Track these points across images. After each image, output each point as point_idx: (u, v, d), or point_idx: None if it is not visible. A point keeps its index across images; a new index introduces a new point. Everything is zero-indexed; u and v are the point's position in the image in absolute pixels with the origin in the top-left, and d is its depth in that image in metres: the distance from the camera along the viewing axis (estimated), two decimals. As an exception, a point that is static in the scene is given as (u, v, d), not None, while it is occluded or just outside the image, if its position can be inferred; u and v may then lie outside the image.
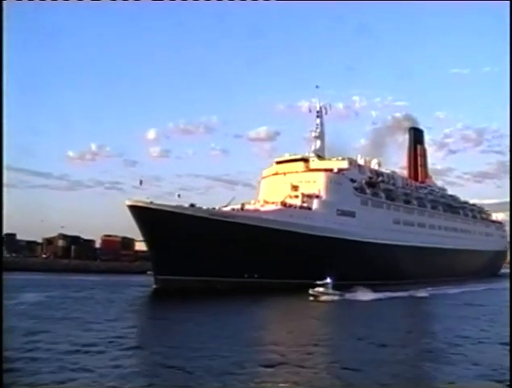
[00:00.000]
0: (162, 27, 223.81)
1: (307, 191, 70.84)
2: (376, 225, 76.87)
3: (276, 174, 76.58)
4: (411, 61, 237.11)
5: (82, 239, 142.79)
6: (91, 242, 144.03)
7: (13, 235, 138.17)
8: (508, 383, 17.11)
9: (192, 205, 60.62)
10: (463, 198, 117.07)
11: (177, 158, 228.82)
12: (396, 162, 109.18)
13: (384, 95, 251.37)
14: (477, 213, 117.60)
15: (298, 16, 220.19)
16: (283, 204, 67.32)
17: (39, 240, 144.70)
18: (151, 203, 57.07)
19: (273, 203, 67.90)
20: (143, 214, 56.73)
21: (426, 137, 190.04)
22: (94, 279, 75.57)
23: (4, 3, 16.25)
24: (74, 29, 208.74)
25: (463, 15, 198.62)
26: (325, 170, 74.56)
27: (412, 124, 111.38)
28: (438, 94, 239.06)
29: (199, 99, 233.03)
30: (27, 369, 19.80)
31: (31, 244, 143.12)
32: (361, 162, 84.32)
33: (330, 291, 53.19)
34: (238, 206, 67.34)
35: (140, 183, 59.02)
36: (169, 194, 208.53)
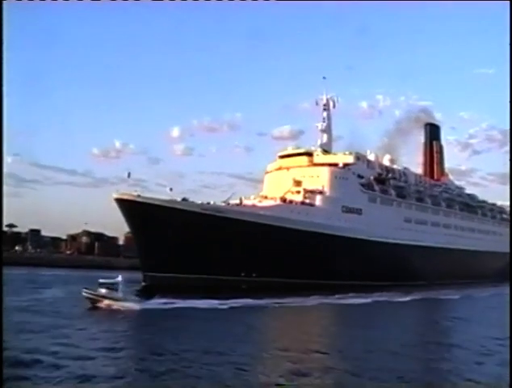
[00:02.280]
0: (172, 25, 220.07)
1: (310, 187, 65.52)
2: (385, 224, 71.13)
3: (280, 169, 71.00)
4: (436, 61, 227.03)
5: (106, 236, 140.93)
6: (115, 238, 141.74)
7: (38, 231, 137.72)
8: (508, 383, 15.93)
9: (184, 199, 55.54)
10: (488, 199, 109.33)
11: (200, 155, 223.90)
12: (419, 162, 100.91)
13: (408, 95, 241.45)
14: (497, 213, 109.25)
15: (302, 15, 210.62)
16: (283, 199, 62.02)
17: (64, 236, 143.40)
18: (138, 196, 52.66)
19: (272, 198, 62.16)
20: (130, 208, 53.10)
21: (451, 138, 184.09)
22: (114, 275, 70.31)
23: (4, 3, 15.81)
24: (77, 29, 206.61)
25: (488, 14, 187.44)
26: (330, 164, 69.01)
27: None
28: (462, 94, 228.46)
29: (223, 96, 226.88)
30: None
31: (55, 240, 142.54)
32: (371, 157, 77.35)
33: (119, 295, 35.05)
34: (237, 201, 61.87)
35: (128, 175, 53.98)
36: (192, 191, 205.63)
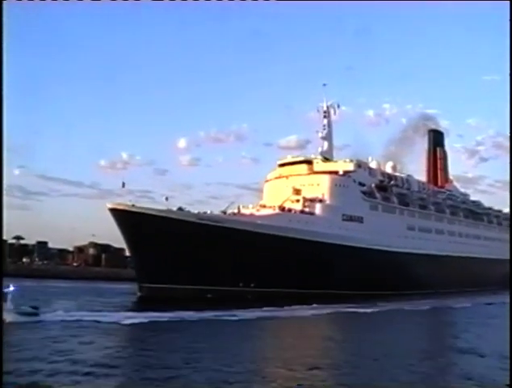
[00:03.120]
0: (176, 30, 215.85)
1: (310, 195, 63.73)
2: (387, 232, 69.25)
3: (279, 177, 69.15)
4: (443, 68, 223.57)
5: (113, 247, 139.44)
6: (122, 250, 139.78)
7: (45, 243, 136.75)
8: (508, 383, 15.94)
9: (180, 209, 53.82)
10: (496, 206, 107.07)
11: (207, 166, 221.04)
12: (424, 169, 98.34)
13: (415, 103, 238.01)
14: (503, 220, 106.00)
15: (306, 18, 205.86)
16: (282, 208, 60.54)
17: (71, 248, 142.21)
18: (133, 206, 50.93)
19: (270, 207, 60.30)
20: (125, 218, 51.63)
21: (458, 145, 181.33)
22: (122, 287, 69.54)
23: (4, 3, 15.82)
24: (79, 31, 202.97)
25: (493, 19, 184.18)
26: (330, 172, 67.05)
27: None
28: (469, 101, 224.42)
29: (229, 107, 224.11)
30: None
31: (62, 252, 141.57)
32: (373, 165, 75.41)
33: (8, 306, 28.92)
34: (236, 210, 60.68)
35: (123, 185, 52.54)
36: (200, 202, 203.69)
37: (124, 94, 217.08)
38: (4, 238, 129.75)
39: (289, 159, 70.84)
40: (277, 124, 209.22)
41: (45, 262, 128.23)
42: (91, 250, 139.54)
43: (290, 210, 60.71)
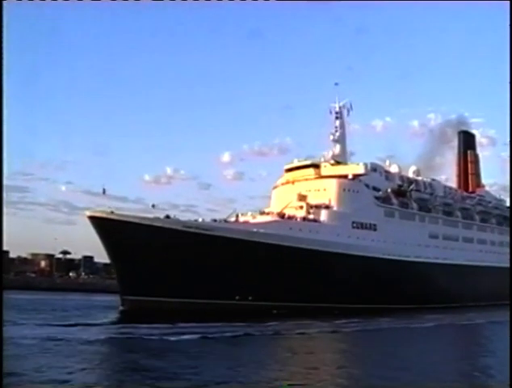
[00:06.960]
0: (187, 31, 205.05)
1: (316, 201, 56.56)
2: (406, 240, 61.51)
3: (286, 183, 62.00)
4: (484, 75, 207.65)
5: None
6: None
7: (90, 257, 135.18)
8: (508, 383, 14.90)
9: (168, 217, 47.97)
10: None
11: (250, 180, 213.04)
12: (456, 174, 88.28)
13: (460, 112, 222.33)
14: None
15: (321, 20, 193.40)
16: (281, 215, 53.02)
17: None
18: (112, 213, 45.70)
19: (268, 214, 52.89)
20: (104, 226, 46.20)
21: (504, 154, 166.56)
22: None
23: (4, 3, 14.24)
24: (80, 30, 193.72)
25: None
26: (339, 176, 58.89)
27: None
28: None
29: (273, 121, 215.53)
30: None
31: (107, 266, 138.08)
32: (393, 169, 66.90)
33: None
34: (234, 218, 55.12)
35: (103, 191, 47.82)
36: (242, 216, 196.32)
37: (167, 109, 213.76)
38: (51, 252, 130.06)
39: (296, 163, 63.48)
40: (320, 136, 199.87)
41: (91, 276, 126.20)
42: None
43: (291, 217, 53.47)
